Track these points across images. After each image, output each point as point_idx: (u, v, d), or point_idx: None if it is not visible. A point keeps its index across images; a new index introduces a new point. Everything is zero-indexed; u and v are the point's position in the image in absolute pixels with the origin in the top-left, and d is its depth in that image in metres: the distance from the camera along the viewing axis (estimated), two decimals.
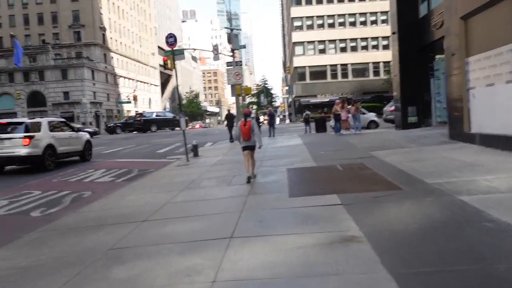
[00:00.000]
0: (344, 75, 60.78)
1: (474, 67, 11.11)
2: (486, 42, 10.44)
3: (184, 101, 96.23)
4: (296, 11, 61.37)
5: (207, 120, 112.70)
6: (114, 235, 5.69)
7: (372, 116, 25.01)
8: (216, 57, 32.72)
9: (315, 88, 59.80)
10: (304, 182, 8.29)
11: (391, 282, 3.39)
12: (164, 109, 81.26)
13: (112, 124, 46.91)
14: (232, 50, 28.04)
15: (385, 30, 51.17)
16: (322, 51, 61.16)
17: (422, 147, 12.08)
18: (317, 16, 60.75)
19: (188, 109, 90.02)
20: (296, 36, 61.52)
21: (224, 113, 39.08)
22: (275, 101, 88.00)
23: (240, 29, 63.04)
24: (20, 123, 14.18)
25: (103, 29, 67.88)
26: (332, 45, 61.19)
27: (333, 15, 60.55)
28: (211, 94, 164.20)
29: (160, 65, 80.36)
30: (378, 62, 59.58)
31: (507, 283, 3.28)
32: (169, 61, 15.30)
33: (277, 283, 3.65)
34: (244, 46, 34.80)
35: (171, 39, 14.69)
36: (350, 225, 5.03)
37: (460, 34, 11.69)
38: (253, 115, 21.39)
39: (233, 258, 4.28)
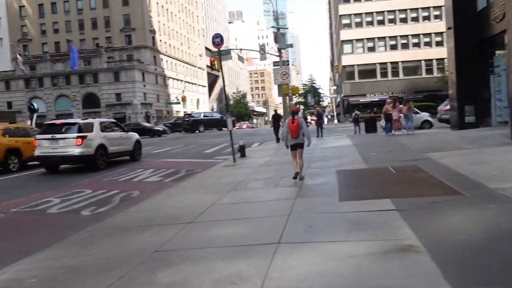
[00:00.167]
0: (395, 73, 59.04)
1: None
2: None
3: (231, 102, 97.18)
4: (344, 9, 60.32)
5: (254, 121, 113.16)
6: (161, 236, 5.67)
7: (425, 115, 24.01)
8: (263, 57, 32.69)
9: (364, 87, 58.51)
10: (355, 185, 7.96)
11: None
12: (212, 110, 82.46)
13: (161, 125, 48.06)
14: (279, 50, 27.84)
15: (439, 26, 49.21)
16: (372, 49, 59.72)
17: (482, 148, 11.30)
18: (366, 13, 59.41)
19: (235, 110, 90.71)
20: (345, 34, 60.38)
21: (271, 113, 38.93)
22: (322, 101, 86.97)
23: (287, 28, 62.74)
24: (74, 124, 14.70)
25: (152, 32, 69.86)
26: (381, 43, 59.69)
27: (383, 12, 58.94)
28: (258, 94, 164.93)
29: (208, 66, 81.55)
30: (431, 60, 57.39)
31: None
32: (216, 62, 15.30)
33: None
34: (291, 45, 34.54)
35: (218, 39, 14.68)
36: (406, 233, 4.68)
37: None
38: (300, 114, 21.07)
39: (281, 266, 4.07)
